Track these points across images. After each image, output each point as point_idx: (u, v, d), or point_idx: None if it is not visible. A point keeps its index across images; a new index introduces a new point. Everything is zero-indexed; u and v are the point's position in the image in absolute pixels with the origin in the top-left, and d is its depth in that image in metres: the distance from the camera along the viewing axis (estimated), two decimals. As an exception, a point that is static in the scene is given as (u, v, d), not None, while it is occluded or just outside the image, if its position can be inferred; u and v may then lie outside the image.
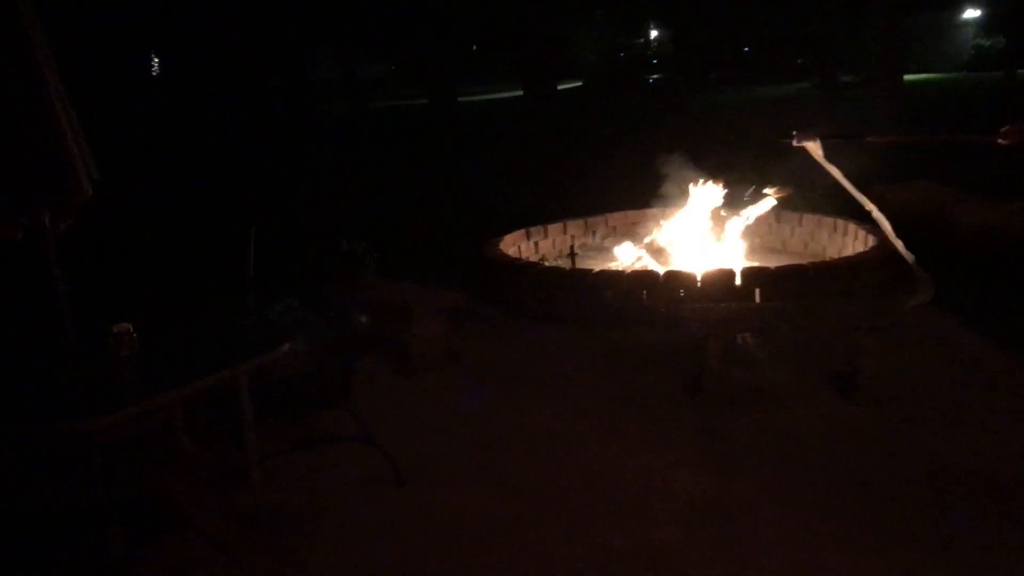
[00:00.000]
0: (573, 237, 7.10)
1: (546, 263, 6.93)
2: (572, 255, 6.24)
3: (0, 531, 3.23)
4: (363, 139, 16.82)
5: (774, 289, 5.18)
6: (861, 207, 5.62)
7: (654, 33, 39.89)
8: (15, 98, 2.41)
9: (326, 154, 14.73)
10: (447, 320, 4.92)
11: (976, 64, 25.54)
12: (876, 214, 5.20)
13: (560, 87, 23.74)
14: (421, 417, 4.23)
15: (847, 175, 5.48)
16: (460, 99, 22.86)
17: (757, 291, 5.16)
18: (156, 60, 29.79)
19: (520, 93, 21.23)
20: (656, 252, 6.21)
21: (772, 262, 6.49)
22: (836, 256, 6.51)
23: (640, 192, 7.96)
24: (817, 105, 18.18)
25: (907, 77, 17.09)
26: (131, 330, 2.90)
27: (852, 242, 6.23)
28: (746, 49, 31.23)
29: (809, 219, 6.78)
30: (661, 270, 5.60)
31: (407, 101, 25.97)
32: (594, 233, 7.17)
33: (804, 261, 6.17)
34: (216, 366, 2.90)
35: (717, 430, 3.86)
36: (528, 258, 6.89)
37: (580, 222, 7.18)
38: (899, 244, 5.12)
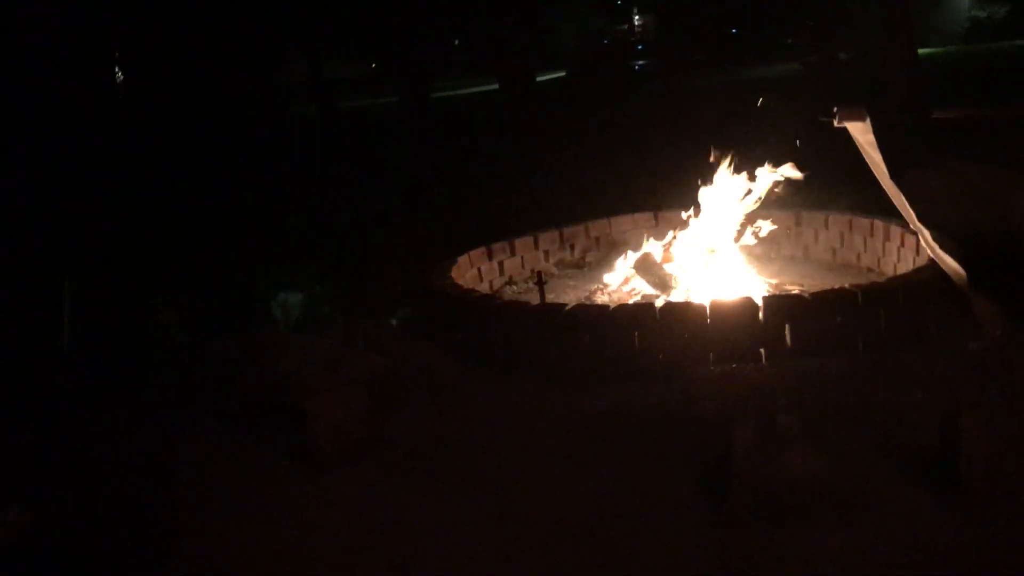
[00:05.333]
0: (546, 253, 5.76)
1: (514, 287, 5.60)
2: (540, 283, 4.83)
3: None
4: (321, 145, 15.44)
5: (812, 324, 3.83)
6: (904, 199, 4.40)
7: (638, 19, 38.50)
8: None
9: (275, 161, 13.33)
10: (367, 391, 3.57)
11: (973, 36, 24.47)
12: (924, 235, 4.05)
13: (541, 78, 22.32)
14: (314, 548, 2.88)
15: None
16: (433, 95, 21.42)
17: (788, 328, 3.82)
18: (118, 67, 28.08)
19: (496, 86, 19.81)
20: (649, 270, 4.87)
21: (795, 275, 5.19)
22: (875, 266, 5.21)
23: (628, 194, 6.71)
24: (815, 85, 16.84)
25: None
26: None
27: (897, 250, 4.90)
28: (733, 31, 30.00)
29: (837, 220, 5.44)
30: (657, 299, 4.25)
31: (379, 100, 24.48)
32: (572, 247, 5.82)
33: (840, 278, 4.86)
34: None
35: (752, 565, 2.53)
36: (492, 282, 5.56)
37: (554, 234, 5.81)
38: (950, 265, 3.88)
